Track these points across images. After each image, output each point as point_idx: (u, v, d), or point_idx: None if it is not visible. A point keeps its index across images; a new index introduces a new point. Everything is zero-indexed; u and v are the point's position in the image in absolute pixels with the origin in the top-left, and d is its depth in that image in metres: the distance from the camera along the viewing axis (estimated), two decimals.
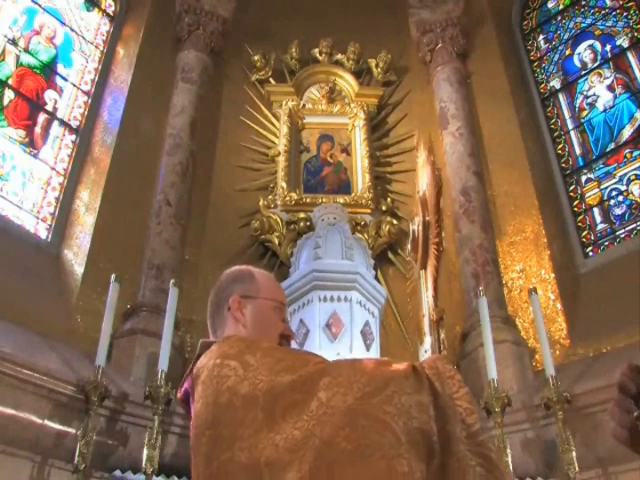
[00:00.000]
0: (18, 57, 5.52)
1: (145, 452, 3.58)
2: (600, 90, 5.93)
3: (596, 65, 6.07)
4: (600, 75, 6.00)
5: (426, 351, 4.40)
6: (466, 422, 1.33)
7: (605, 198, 5.48)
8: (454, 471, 1.25)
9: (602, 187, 5.53)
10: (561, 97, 6.20)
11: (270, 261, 5.43)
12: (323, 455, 1.25)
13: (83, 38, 6.12)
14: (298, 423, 1.30)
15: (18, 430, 3.60)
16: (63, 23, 6.01)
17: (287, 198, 5.68)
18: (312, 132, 6.31)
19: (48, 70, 5.71)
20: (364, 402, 1.30)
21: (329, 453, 1.25)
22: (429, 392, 1.37)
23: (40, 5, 5.88)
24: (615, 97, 5.79)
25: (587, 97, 6.00)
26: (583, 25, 6.38)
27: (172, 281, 4.21)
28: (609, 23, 6.17)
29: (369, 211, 5.66)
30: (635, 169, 5.39)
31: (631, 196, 5.32)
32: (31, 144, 5.32)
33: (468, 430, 1.32)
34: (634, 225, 5.18)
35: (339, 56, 6.64)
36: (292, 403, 1.33)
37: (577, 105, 6.06)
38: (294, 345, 3.70)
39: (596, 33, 6.25)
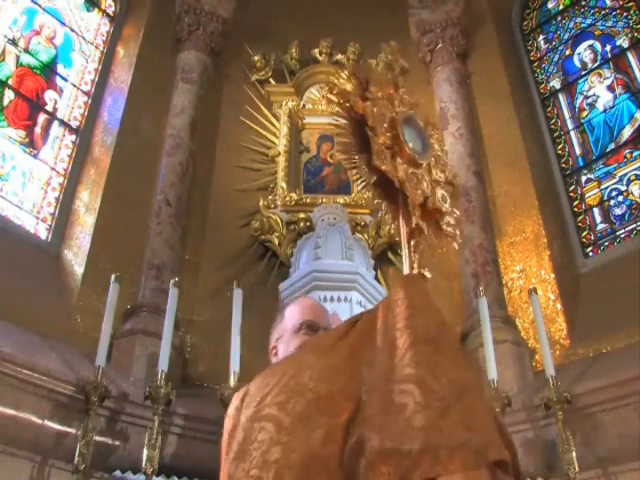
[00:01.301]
0: (18, 57, 5.52)
1: (145, 452, 3.58)
2: (600, 90, 5.93)
3: (596, 65, 6.07)
4: (600, 75, 5.99)
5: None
6: (396, 346, 1.30)
7: (605, 198, 5.48)
8: (363, 420, 1.23)
9: (602, 187, 5.53)
10: (561, 97, 6.20)
11: (270, 261, 5.42)
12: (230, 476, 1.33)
13: (83, 38, 6.12)
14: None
15: (18, 430, 3.60)
16: (63, 23, 6.01)
17: (287, 198, 5.68)
18: (312, 132, 6.30)
19: (48, 70, 5.71)
20: (258, 406, 1.37)
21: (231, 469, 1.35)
22: (352, 342, 1.39)
23: (40, 5, 5.88)
24: (615, 97, 5.79)
25: (587, 97, 6.00)
26: (583, 25, 6.38)
27: (172, 281, 4.21)
28: (609, 23, 6.17)
29: (369, 211, 5.65)
30: (635, 169, 5.39)
31: (631, 196, 5.32)
32: (31, 144, 5.32)
33: (398, 355, 1.28)
34: (634, 225, 5.18)
35: (339, 56, 6.64)
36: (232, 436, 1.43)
37: (577, 105, 6.05)
38: None
39: (596, 33, 6.25)
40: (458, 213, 1.70)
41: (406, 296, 1.39)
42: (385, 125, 1.63)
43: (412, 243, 1.61)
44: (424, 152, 1.68)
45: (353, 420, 1.24)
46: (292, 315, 1.90)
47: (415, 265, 1.59)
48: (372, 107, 1.63)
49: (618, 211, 5.35)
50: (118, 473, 3.70)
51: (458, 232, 1.70)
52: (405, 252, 1.60)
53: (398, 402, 1.20)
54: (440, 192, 1.66)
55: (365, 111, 1.63)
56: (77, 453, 3.46)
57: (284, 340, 1.84)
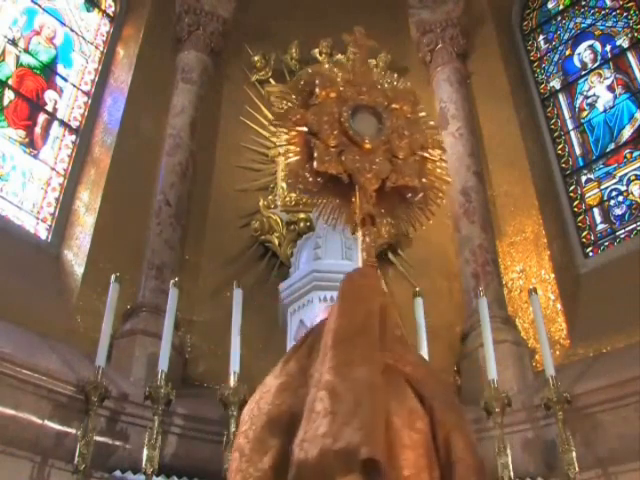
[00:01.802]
0: (18, 57, 5.52)
1: (145, 452, 3.57)
2: (600, 90, 5.93)
3: (596, 65, 6.07)
4: (600, 75, 5.99)
5: None
6: (325, 352, 1.31)
7: (605, 198, 5.47)
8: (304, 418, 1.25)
9: (602, 187, 5.53)
10: (561, 97, 6.20)
11: (270, 261, 5.42)
12: None
13: (83, 38, 6.12)
14: None
15: (18, 430, 3.60)
16: (63, 23, 6.01)
17: (287, 198, 5.68)
18: None
19: (48, 70, 5.71)
20: (236, 435, 1.44)
21: None
22: (300, 355, 1.41)
23: (40, 5, 5.88)
24: (615, 97, 5.79)
25: (587, 97, 6.00)
26: (583, 25, 6.38)
27: (172, 281, 4.21)
28: (609, 23, 6.17)
29: None
30: (635, 169, 5.39)
31: (631, 196, 5.32)
32: (31, 144, 5.32)
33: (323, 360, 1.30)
34: (634, 225, 5.18)
35: (339, 56, 6.61)
36: None
37: (577, 105, 6.05)
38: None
39: (596, 33, 6.24)
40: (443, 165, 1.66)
41: (340, 295, 1.40)
42: (332, 124, 1.64)
43: (362, 232, 1.61)
44: (379, 132, 1.66)
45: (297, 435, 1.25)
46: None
47: (364, 254, 1.59)
48: (317, 111, 1.64)
49: (618, 211, 5.34)
50: (118, 473, 3.70)
51: (437, 193, 1.66)
52: (359, 244, 1.61)
53: (315, 410, 1.21)
54: (406, 165, 1.63)
55: (306, 121, 1.64)
56: (77, 453, 3.46)
57: None
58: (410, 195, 1.65)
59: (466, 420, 1.34)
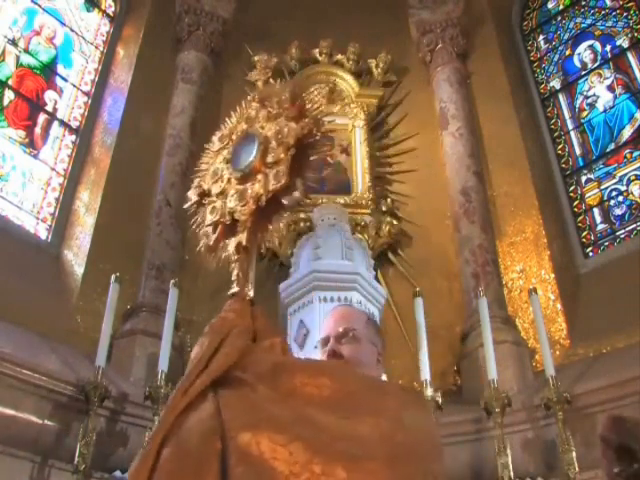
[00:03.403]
0: (18, 57, 5.52)
1: None
2: (600, 90, 5.93)
3: (596, 65, 6.07)
4: (600, 75, 5.99)
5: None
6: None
7: (605, 198, 5.47)
8: None
9: (602, 187, 5.53)
10: (561, 97, 6.20)
11: (270, 262, 5.42)
12: None
13: (83, 38, 6.12)
14: None
15: (18, 430, 3.60)
16: (63, 23, 6.01)
17: None
18: None
19: (48, 70, 5.71)
20: None
21: None
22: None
23: (40, 5, 5.88)
24: (615, 97, 5.79)
25: (587, 97, 6.00)
26: (583, 25, 6.38)
27: (172, 281, 4.21)
28: (609, 23, 6.17)
29: (369, 211, 5.65)
30: (635, 169, 5.39)
31: (631, 196, 5.32)
32: (31, 144, 5.32)
33: None
34: (634, 225, 5.18)
35: (339, 56, 6.62)
36: None
37: (577, 105, 6.05)
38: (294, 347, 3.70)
39: (596, 33, 6.25)
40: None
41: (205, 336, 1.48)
42: (220, 176, 1.66)
43: (234, 263, 1.62)
44: (252, 155, 1.61)
45: None
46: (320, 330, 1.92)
47: (233, 285, 1.60)
48: (209, 171, 1.67)
49: (618, 211, 5.34)
50: (118, 473, 3.70)
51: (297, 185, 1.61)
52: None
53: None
54: (276, 169, 1.59)
55: (202, 188, 1.66)
56: (77, 453, 3.47)
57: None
58: (284, 195, 1.61)
59: (296, 415, 1.28)
